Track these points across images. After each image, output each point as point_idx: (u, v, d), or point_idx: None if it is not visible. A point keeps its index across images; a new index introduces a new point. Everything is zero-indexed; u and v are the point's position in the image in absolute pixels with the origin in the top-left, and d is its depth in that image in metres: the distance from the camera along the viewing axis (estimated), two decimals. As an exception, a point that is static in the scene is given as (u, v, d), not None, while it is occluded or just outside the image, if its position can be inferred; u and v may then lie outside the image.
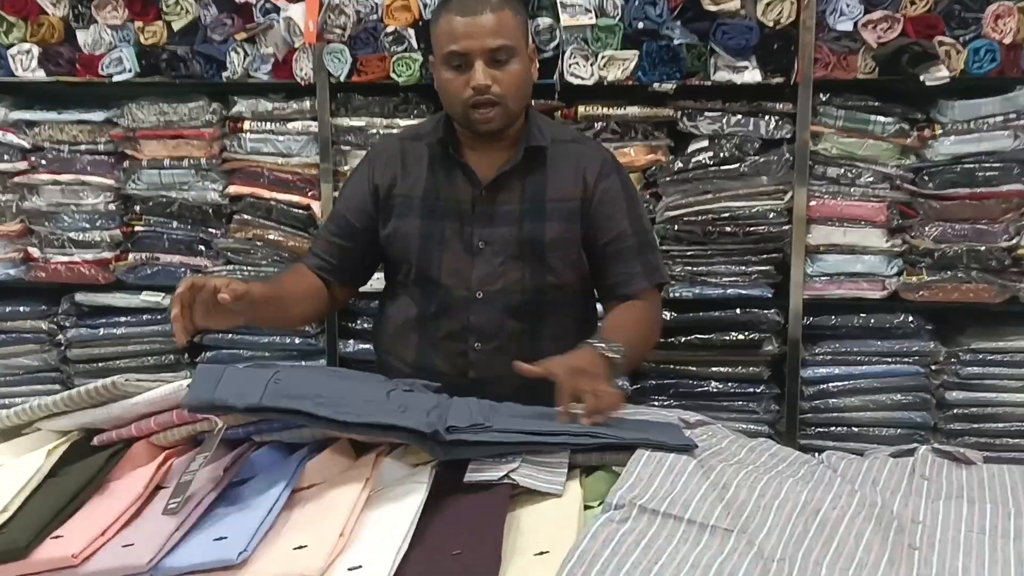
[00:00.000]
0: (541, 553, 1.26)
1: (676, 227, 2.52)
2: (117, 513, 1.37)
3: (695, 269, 2.54)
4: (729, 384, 2.52)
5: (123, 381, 1.55)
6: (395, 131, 2.47)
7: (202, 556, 1.27)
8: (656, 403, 2.52)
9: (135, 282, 2.78)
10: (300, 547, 1.28)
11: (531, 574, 1.23)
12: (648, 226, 1.93)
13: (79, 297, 2.82)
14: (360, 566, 1.25)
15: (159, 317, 2.79)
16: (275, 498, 1.38)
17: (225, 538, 1.29)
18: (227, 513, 1.38)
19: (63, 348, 2.86)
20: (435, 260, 1.84)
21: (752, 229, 2.49)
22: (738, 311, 2.48)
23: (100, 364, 2.86)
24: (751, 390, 2.52)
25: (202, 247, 2.74)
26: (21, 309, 2.87)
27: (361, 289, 2.03)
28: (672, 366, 2.54)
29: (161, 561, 1.27)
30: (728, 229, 2.49)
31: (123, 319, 2.81)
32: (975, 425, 2.53)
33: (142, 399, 1.55)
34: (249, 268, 2.71)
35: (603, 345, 1.66)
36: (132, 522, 1.38)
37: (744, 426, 2.50)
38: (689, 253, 2.54)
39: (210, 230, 2.74)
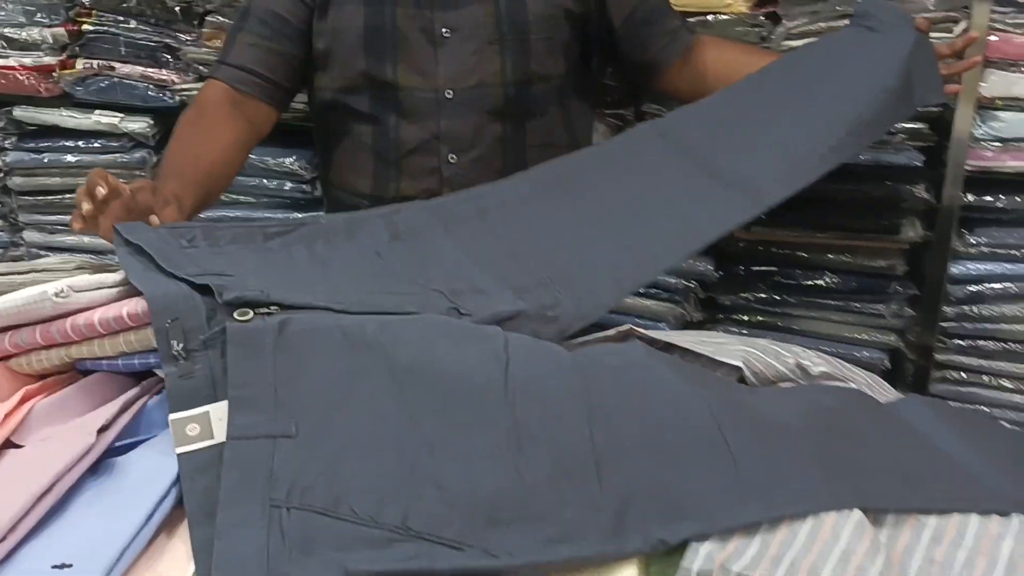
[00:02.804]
0: None
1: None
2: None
3: (817, 122, 2.02)
4: (850, 278, 2.04)
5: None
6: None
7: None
8: (745, 299, 2.07)
9: (85, 97, 2.32)
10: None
11: None
12: None
13: (18, 113, 2.39)
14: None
15: (115, 144, 2.34)
16: (162, 492, 0.95)
17: (68, 567, 0.87)
18: (88, 508, 0.96)
19: (3, 175, 2.46)
20: (387, 56, 1.61)
21: (902, 71, 1.94)
22: (873, 183, 1.97)
23: (48, 197, 2.45)
24: (879, 288, 2.03)
25: (167, 56, 2.26)
26: (-50, 123, 2.44)
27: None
28: (774, 250, 2.05)
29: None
30: (868, 69, 1.95)
31: (72, 143, 2.37)
32: None
33: (-10, 307, 1.11)
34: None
35: None
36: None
37: (865, 335, 2.03)
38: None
39: (178, 34, 2.26)
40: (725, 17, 1.97)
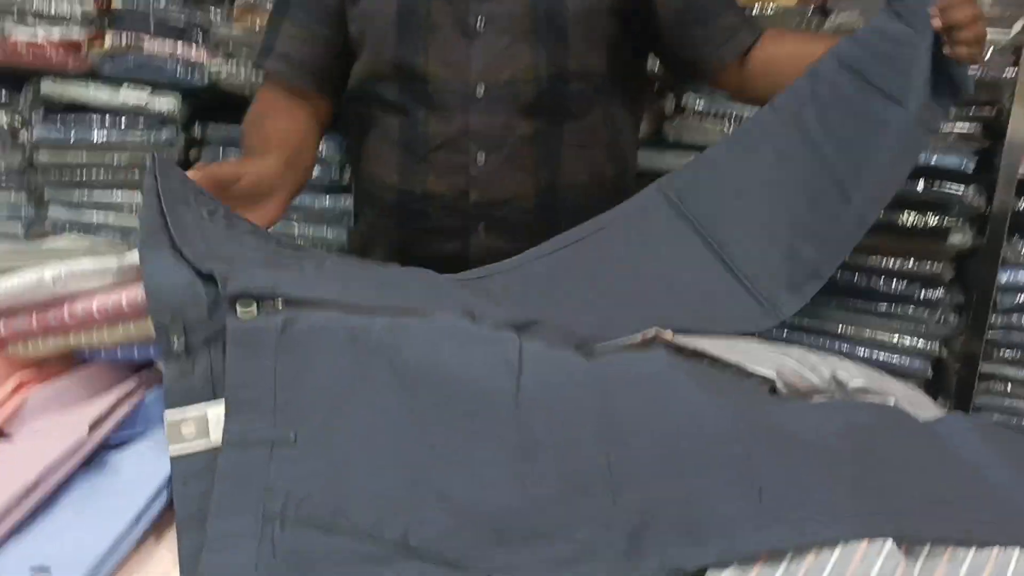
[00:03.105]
0: None
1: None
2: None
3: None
4: (895, 282, 1.96)
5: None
6: None
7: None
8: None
9: (113, 73, 2.28)
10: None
11: None
12: None
13: (45, 87, 2.35)
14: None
15: (141, 121, 2.31)
16: (152, 493, 0.91)
17: (46, 571, 0.83)
18: (74, 508, 0.92)
19: (29, 150, 2.41)
20: (419, 45, 1.56)
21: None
22: (921, 184, 1.90)
23: (75, 175, 2.41)
24: (925, 294, 1.96)
25: (198, 34, 2.22)
26: (-23, 96, 2.41)
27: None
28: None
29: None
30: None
31: (99, 120, 2.34)
32: None
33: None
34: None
35: None
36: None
37: (907, 342, 1.96)
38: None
39: (208, 12, 2.22)
40: (771, 11, 1.90)
